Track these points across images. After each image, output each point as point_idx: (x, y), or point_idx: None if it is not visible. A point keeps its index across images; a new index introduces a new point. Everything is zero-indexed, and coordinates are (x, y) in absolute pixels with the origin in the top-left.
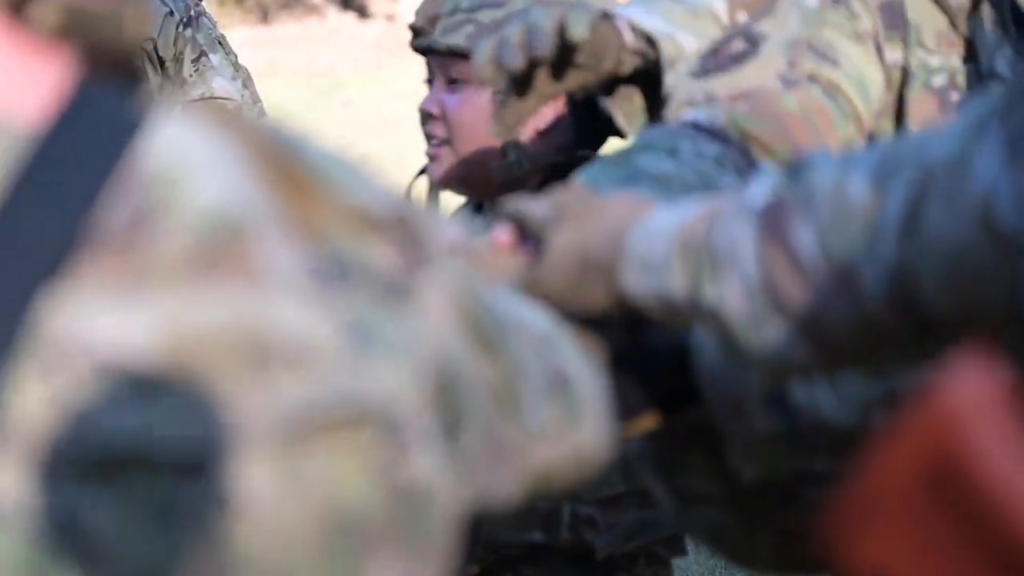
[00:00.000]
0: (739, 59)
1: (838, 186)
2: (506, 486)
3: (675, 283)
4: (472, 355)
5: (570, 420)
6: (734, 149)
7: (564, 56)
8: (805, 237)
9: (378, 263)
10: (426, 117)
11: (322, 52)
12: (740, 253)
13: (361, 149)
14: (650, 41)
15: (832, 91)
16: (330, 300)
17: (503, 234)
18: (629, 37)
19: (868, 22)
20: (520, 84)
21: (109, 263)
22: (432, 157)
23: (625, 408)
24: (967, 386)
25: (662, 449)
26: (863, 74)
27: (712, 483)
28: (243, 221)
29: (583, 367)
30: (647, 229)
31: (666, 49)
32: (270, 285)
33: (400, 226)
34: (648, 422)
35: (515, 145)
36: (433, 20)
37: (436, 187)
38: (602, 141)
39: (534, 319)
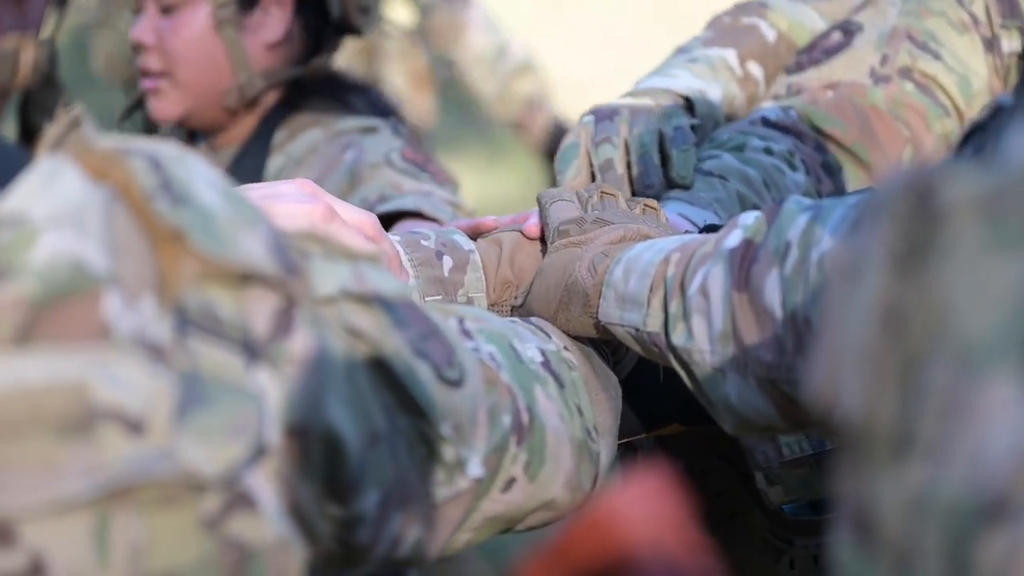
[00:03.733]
0: (831, 52)
1: (807, 238)
2: (437, 536)
3: (650, 322)
4: (378, 410)
5: (538, 463)
6: (808, 144)
7: None
8: (773, 289)
9: (237, 319)
10: (138, 48)
11: None
12: (711, 299)
13: None
14: (687, 100)
15: (928, 86)
16: (172, 360)
17: (534, 224)
18: None
19: (980, 9)
20: None
21: None
22: (151, 92)
23: (651, 416)
24: (636, 501)
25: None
26: (966, 66)
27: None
28: (87, 279)
29: (560, 404)
30: (627, 264)
31: (700, 107)
32: (107, 346)
33: (281, 279)
34: (673, 429)
35: (244, 65)
36: None
37: (159, 125)
38: (338, 44)
39: (507, 356)
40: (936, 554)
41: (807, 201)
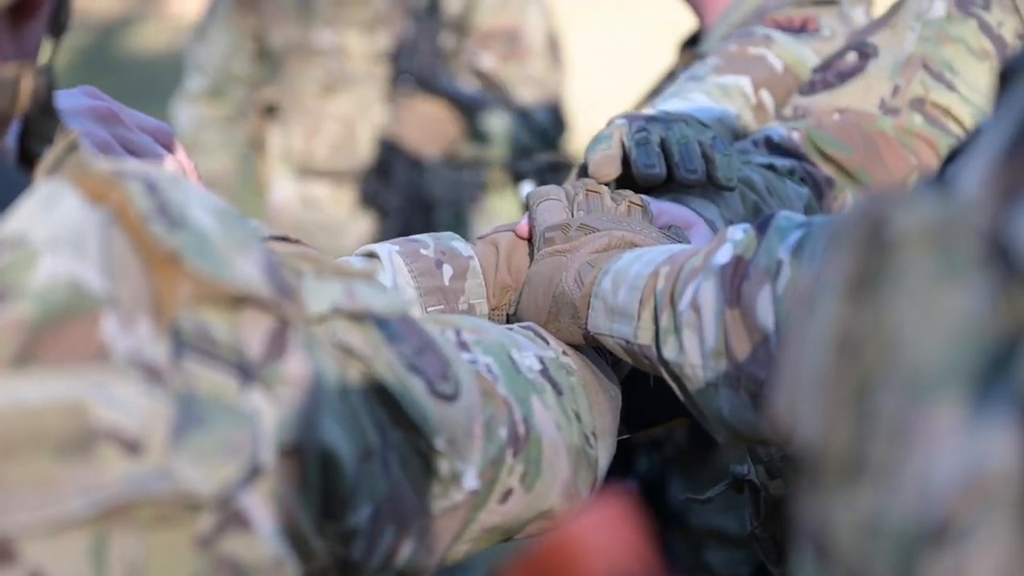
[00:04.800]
0: (845, 77)
1: (799, 256)
2: (434, 547)
3: (640, 335)
4: (371, 425)
5: (534, 474)
6: (808, 164)
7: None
8: (765, 306)
9: (231, 341)
10: None
11: None
12: (703, 315)
13: None
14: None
15: (938, 117)
16: (168, 381)
17: (525, 225)
18: None
19: (1009, 33)
20: None
21: None
22: None
23: (660, 409)
24: (596, 525)
25: None
26: (982, 96)
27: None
28: (85, 300)
29: (558, 412)
30: (615, 276)
31: (719, 135)
32: (105, 367)
33: (275, 301)
34: (681, 422)
35: None
36: None
37: None
38: None
39: (505, 367)
40: None
41: (798, 217)
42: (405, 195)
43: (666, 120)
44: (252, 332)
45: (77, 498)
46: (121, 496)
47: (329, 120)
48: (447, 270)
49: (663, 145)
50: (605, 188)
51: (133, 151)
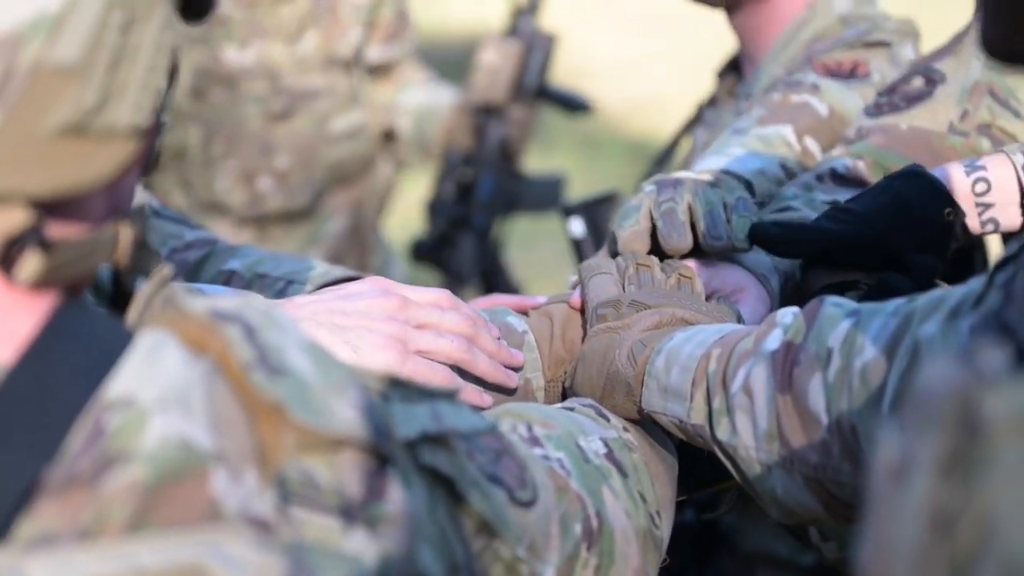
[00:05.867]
0: (913, 101)
1: (849, 346)
2: None
3: (693, 415)
4: (456, 540)
5: (607, 564)
6: None
7: None
8: (816, 393)
9: (333, 485)
10: None
11: None
12: (755, 399)
13: None
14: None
15: (1006, 143)
16: (277, 531)
17: (577, 297)
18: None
19: None
20: None
21: (63, 506)
22: None
23: (712, 471)
24: None
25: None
26: None
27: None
28: (195, 458)
29: (626, 498)
30: (668, 355)
31: (759, 187)
32: (218, 525)
33: (373, 441)
34: (731, 484)
35: None
36: None
37: None
38: None
39: (575, 461)
40: None
41: (848, 305)
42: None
43: (694, 183)
44: (352, 474)
45: None
46: None
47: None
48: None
49: (691, 211)
50: (655, 260)
51: (421, 325)
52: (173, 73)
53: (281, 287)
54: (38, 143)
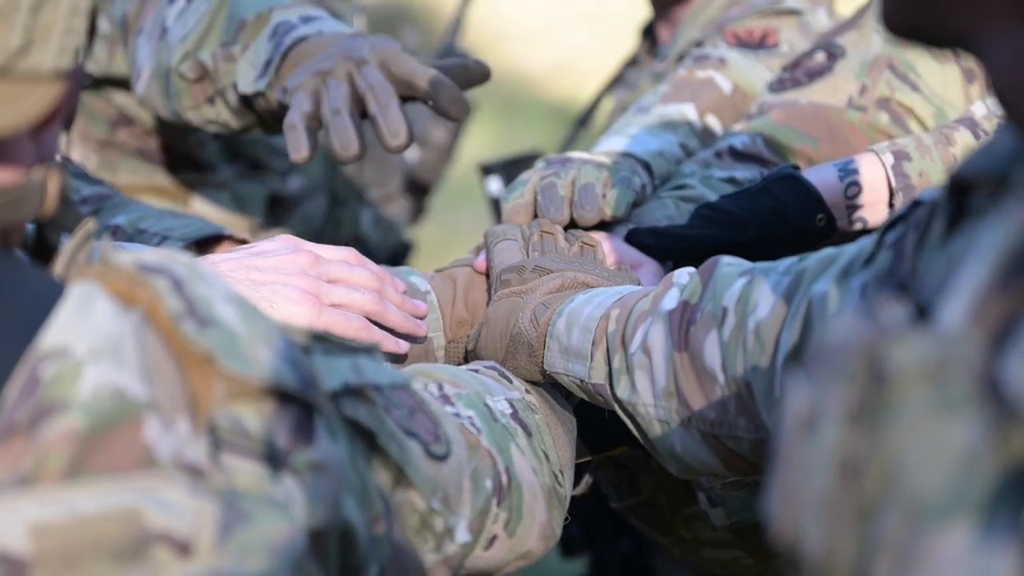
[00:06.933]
0: (814, 76)
1: (743, 304)
2: None
3: (594, 374)
4: (376, 492)
5: (516, 520)
6: (771, 168)
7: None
8: (712, 351)
9: (262, 433)
10: None
11: None
12: (653, 358)
13: None
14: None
15: (903, 116)
16: (209, 478)
17: (482, 261)
18: None
19: None
20: None
21: (3, 454)
22: None
23: (602, 439)
24: None
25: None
26: (943, 98)
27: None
28: (129, 407)
29: (531, 456)
30: (569, 317)
31: (658, 169)
32: (152, 471)
33: (300, 389)
34: (620, 451)
35: None
36: None
37: None
38: None
39: (485, 419)
40: None
41: (742, 264)
42: None
43: (580, 162)
44: (280, 422)
45: None
46: None
47: None
48: None
49: (573, 186)
50: (559, 229)
51: (332, 280)
52: (93, 20)
53: (157, 242)
54: None
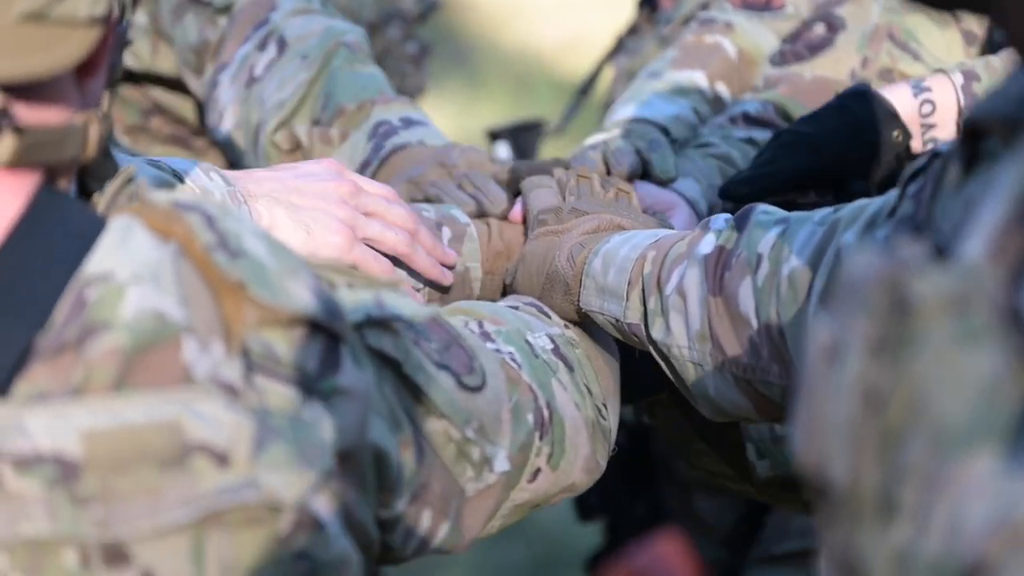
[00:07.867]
0: (815, 49)
1: (777, 252)
2: (471, 525)
3: (629, 314)
4: (405, 418)
5: (559, 453)
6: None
7: None
8: (747, 297)
9: (291, 359)
10: None
11: None
12: (688, 301)
13: None
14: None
15: None
16: (243, 396)
17: (518, 211)
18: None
19: None
20: None
21: (54, 369)
22: None
23: (645, 384)
24: (659, 557)
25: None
26: (945, 63)
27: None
28: (168, 328)
29: (573, 390)
30: (605, 257)
31: (676, 133)
32: (190, 387)
33: (326, 319)
34: (661, 397)
35: None
36: None
37: None
38: None
39: (526, 355)
40: None
41: (776, 213)
42: None
43: (601, 144)
44: (308, 349)
45: (180, 507)
46: (217, 505)
47: None
48: (446, 232)
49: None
50: (595, 175)
51: (369, 213)
52: None
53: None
54: (2, 31)
